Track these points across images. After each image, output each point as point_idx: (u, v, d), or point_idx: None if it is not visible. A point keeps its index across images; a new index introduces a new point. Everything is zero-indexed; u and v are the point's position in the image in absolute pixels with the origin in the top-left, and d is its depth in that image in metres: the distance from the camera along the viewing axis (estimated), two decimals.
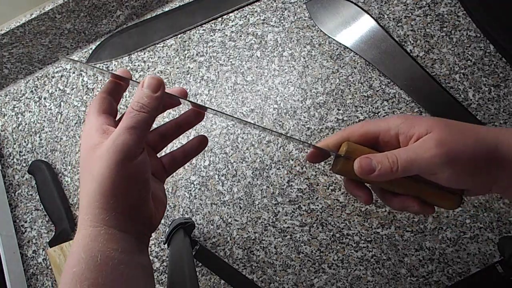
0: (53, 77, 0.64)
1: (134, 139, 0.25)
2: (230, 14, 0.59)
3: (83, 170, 0.26)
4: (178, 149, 0.33)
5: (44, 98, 0.63)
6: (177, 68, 0.59)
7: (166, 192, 0.55)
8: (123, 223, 0.25)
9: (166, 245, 0.50)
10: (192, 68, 0.59)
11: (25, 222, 0.59)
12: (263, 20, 0.58)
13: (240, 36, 0.58)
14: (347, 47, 0.53)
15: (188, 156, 0.34)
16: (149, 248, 0.54)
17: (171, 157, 0.33)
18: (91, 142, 0.26)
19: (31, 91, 0.64)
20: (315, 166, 0.51)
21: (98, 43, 0.64)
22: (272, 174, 0.52)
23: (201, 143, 0.34)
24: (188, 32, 0.60)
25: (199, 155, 0.55)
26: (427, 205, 0.30)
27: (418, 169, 0.27)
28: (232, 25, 0.59)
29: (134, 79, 0.30)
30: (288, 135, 0.31)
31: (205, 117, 0.56)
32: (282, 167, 0.52)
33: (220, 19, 0.59)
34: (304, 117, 0.53)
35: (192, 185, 0.54)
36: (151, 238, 0.54)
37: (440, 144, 0.26)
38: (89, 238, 0.24)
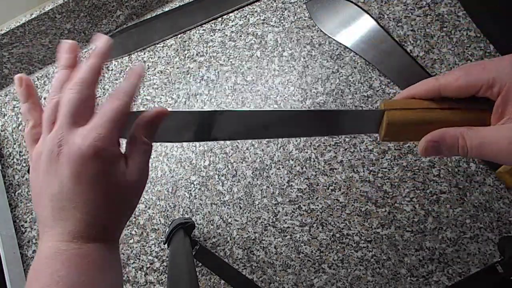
0: (53, 77, 0.64)
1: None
2: (230, 14, 0.59)
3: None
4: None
5: (44, 98, 0.63)
6: (177, 68, 0.59)
7: (167, 192, 0.55)
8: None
9: (166, 245, 0.50)
10: (192, 68, 0.59)
11: (25, 222, 0.59)
12: (263, 20, 0.58)
13: (240, 36, 0.58)
14: (347, 47, 0.53)
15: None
16: (149, 248, 0.54)
17: None
18: None
19: None
20: (315, 166, 0.51)
21: None
22: (272, 174, 0.52)
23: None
24: (188, 32, 0.60)
25: (199, 155, 0.55)
26: None
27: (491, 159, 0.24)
28: (232, 25, 0.59)
29: None
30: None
31: None
32: (282, 167, 0.52)
33: (220, 19, 0.59)
34: None
35: (192, 185, 0.54)
36: (151, 238, 0.54)
37: None
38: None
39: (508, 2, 0.48)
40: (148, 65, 0.61)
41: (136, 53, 0.62)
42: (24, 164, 0.61)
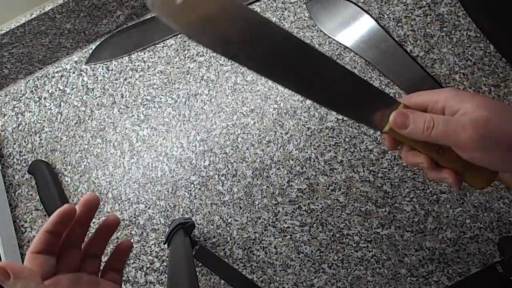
0: (53, 77, 0.64)
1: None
2: None
3: None
4: (109, 259, 0.31)
5: (44, 98, 0.63)
6: (177, 68, 0.59)
7: (167, 192, 0.55)
8: None
9: (166, 245, 0.50)
10: (192, 68, 0.59)
11: (25, 222, 0.59)
12: None
13: None
14: (347, 47, 0.53)
15: (123, 256, 0.32)
16: (149, 248, 0.54)
17: (107, 270, 0.31)
18: None
19: (31, 91, 0.64)
20: (315, 166, 0.51)
21: (98, 43, 0.64)
22: (272, 174, 0.52)
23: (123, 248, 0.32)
24: None
25: (199, 155, 0.55)
26: (459, 180, 0.30)
27: (451, 144, 0.27)
28: None
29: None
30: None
31: (205, 116, 0.56)
32: (282, 167, 0.52)
33: None
34: (304, 117, 0.53)
35: (192, 185, 0.54)
36: (151, 238, 0.54)
37: (481, 127, 0.25)
38: None
39: (508, 2, 0.48)
40: (148, 65, 0.61)
41: (136, 53, 0.62)
42: (24, 164, 0.61)
